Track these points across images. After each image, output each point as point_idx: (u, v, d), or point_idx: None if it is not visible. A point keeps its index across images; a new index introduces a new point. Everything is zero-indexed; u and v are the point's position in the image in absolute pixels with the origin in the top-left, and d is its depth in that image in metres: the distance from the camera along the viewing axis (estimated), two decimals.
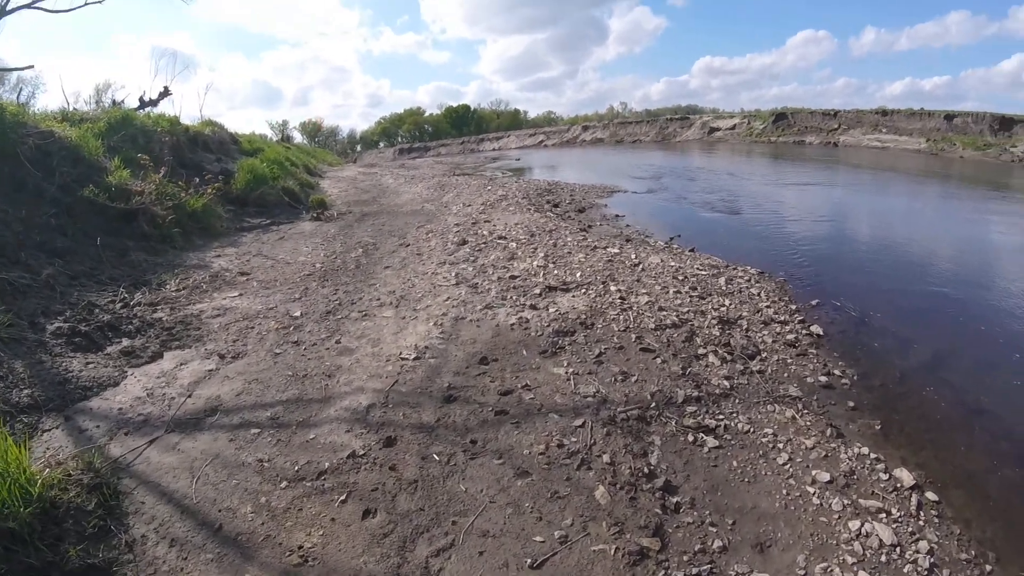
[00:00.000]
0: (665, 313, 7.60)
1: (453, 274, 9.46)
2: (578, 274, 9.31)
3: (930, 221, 15.82)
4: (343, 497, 4.10)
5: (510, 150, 57.29)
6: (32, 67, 15.12)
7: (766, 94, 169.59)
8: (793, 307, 8.28)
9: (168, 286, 8.60)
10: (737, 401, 5.70)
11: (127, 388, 5.55)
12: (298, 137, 69.96)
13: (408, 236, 12.70)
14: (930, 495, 4.44)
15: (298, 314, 7.62)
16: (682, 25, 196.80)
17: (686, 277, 9.25)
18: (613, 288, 8.55)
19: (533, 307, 7.86)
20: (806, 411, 5.59)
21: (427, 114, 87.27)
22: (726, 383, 5.98)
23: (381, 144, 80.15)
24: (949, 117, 35.32)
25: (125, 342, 6.46)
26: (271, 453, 4.51)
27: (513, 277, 9.23)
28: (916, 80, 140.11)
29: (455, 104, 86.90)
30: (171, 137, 16.04)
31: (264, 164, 18.17)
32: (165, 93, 20.77)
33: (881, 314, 8.11)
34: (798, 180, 22.45)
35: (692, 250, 11.45)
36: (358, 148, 75.99)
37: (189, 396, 5.36)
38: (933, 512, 4.25)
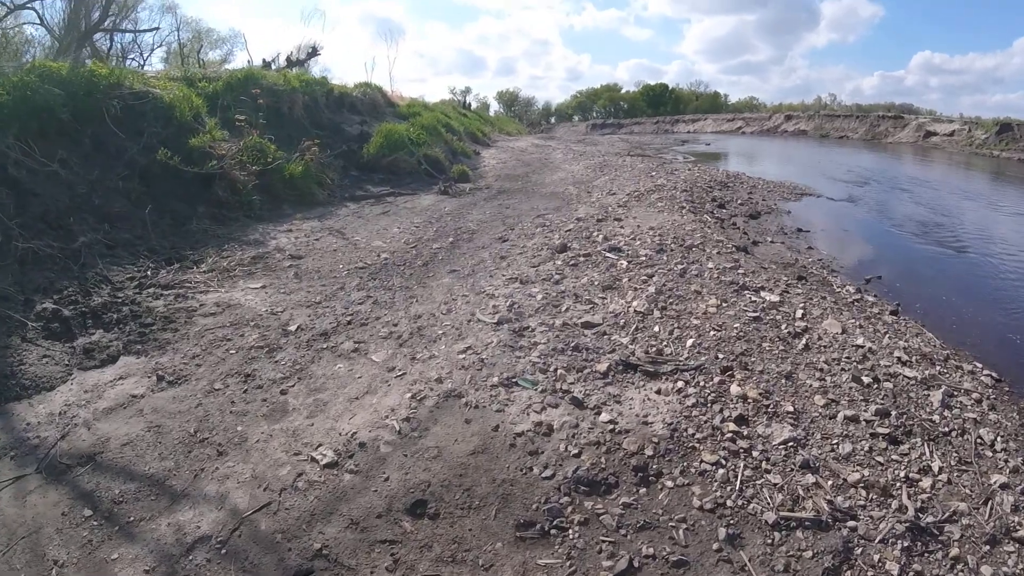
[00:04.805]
0: (809, 480, 3.98)
1: (507, 304, 6.59)
2: (690, 341, 5.78)
3: None
4: None
5: (704, 134, 54.54)
6: (158, 29, 16.24)
7: (988, 100, 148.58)
8: None
9: (202, 265, 7.76)
10: None
11: (54, 398, 4.76)
12: (495, 105, 74.97)
13: (517, 228, 10.30)
14: None
15: (295, 327, 6.10)
16: (900, 15, 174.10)
17: (877, 379, 5.32)
18: (736, 389, 4.96)
19: (577, 402, 4.69)
20: None
21: (623, 91, 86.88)
22: None
23: (575, 118, 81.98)
24: None
25: (97, 335, 5.70)
26: (71, 557, 3.31)
27: (588, 325, 6.05)
28: None
29: (653, 83, 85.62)
30: (304, 96, 15.62)
31: (411, 129, 17.37)
32: (313, 53, 20.90)
33: None
34: None
35: (895, 312, 7.29)
36: (552, 120, 78.47)
37: (87, 428, 4.39)
38: None
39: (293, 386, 4.99)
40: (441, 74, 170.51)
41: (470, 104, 49.30)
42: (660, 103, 79.70)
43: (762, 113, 64.47)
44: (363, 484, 3.84)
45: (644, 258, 8.13)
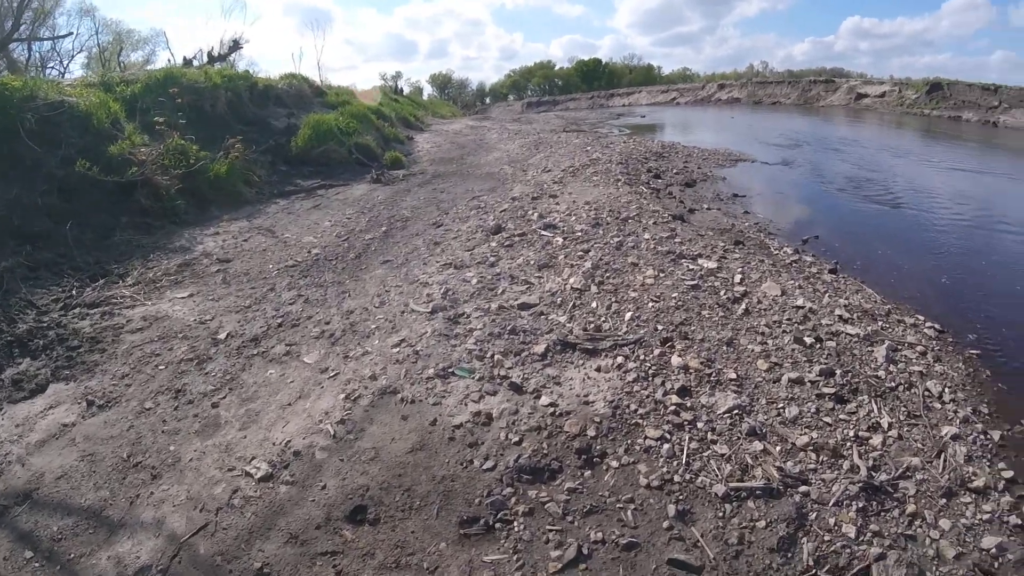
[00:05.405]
0: (757, 448, 3.93)
1: (442, 292, 6.40)
2: (628, 314, 5.68)
3: None
4: None
5: (639, 106, 54.52)
6: (72, 34, 15.54)
7: (917, 62, 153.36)
8: (996, 438, 4.20)
9: (128, 279, 7.37)
10: None
11: None
12: (428, 89, 74.22)
13: (451, 212, 10.09)
14: None
15: (224, 335, 5.83)
16: None
17: (819, 339, 5.32)
18: (677, 360, 4.89)
19: (515, 387, 4.55)
20: None
21: (557, 67, 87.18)
22: None
23: (510, 97, 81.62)
24: None
25: (24, 364, 5.43)
26: None
27: (524, 307, 5.92)
28: None
29: (587, 58, 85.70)
30: (227, 92, 15.04)
31: (340, 118, 16.81)
32: (235, 46, 20.10)
33: None
34: (966, 165, 16.89)
35: (834, 271, 7.33)
36: (486, 100, 77.75)
37: (21, 464, 4.17)
38: None
39: (224, 398, 4.78)
40: (372, 60, 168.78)
41: (402, 89, 48.60)
42: (594, 78, 79.62)
43: (696, 83, 64.86)
44: (300, 495, 3.67)
45: (580, 233, 8.02)
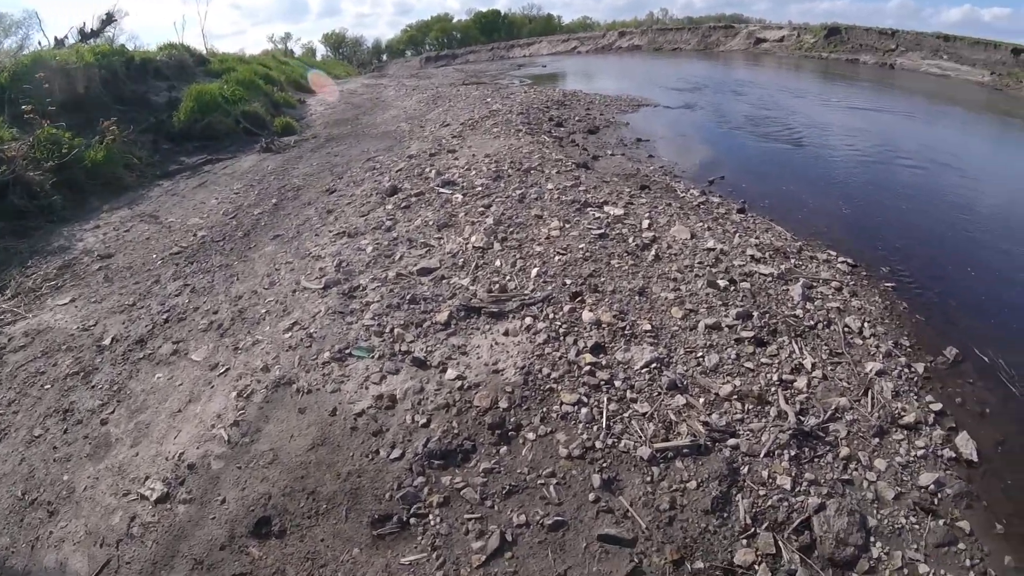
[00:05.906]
0: (679, 402, 3.80)
1: (335, 264, 6.05)
2: (535, 271, 5.47)
3: None
4: None
5: (540, 56, 53.55)
6: None
7: (816, 7, 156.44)
8: (920, 370, 4.26)
9: (6, 291, 6.79)
10: None
11: None
12: (321, 49, 71.20)
13: (345, 176, 9.64)
14: None
15: (109, 340, 5.38)
16: None
17: (733, 280, 5.26)
18: (588, 315, 4.71)
19: (419, 363, 4.30)
20: None
21: (455, 20, 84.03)
22: None
23: (408, 53, 78.18)
24: (1017, 51, 29.71)
25: None
26: None
27: (424, 272, 5.63)
28: (975, 8, 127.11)
29: (485, 10, 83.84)
30: (101, 71, 13.84)
31: (225, 87, 15.99)
32: (109, 20, 18.48)
33: None
34: (864, 104, 17.59)
35: (742, 210, 7.33)
36: (383, 58, 75.38)
37: None
38: None
39: (113, 412, 4.43)
40: (261, 24, 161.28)
41: (292, 51, 46.74)
42: (494, 30, 78.45)
43: (596, 32, 64.34)
44: (199, 513, 3.39)
45: (480, 188, 7.73)
